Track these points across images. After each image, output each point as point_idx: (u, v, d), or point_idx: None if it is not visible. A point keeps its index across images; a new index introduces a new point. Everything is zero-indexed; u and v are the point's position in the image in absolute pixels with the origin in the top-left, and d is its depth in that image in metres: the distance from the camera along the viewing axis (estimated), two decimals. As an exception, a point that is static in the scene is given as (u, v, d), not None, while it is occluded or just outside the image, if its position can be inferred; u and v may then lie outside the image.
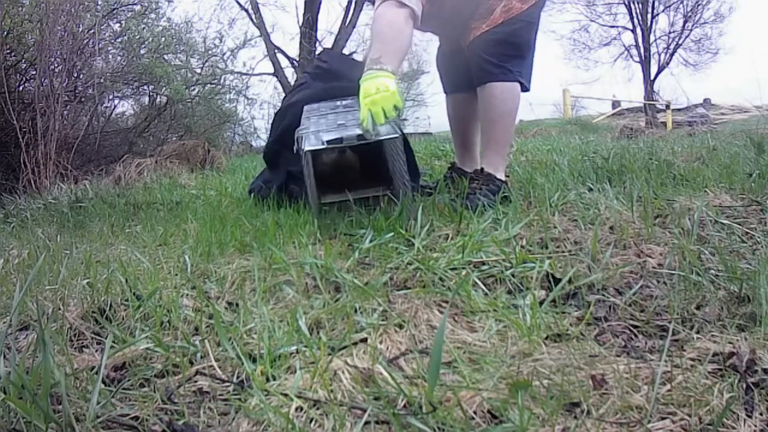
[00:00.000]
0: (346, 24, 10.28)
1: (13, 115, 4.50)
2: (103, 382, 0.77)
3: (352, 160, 1.77)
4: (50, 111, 4.55)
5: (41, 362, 0.68)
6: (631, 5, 16.31)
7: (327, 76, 2.09)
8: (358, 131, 1.49)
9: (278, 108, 2.20)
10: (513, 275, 1.08)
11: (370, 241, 1.31)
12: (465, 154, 2.11)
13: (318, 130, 1.57)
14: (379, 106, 1.48)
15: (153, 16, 6.56)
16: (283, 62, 10.50)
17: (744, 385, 0.69)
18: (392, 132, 1.48)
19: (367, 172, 1.79)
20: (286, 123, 1.93)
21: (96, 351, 0.92)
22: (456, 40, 1.95)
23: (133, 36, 6.05)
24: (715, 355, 0.76)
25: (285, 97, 2.43)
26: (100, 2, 5.91)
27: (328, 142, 1.49)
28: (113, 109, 7.00)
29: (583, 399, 0.67)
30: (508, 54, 1.78)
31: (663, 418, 0.64)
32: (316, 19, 10.25)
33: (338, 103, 1.79)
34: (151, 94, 6.96)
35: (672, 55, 16.72)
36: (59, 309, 1.03)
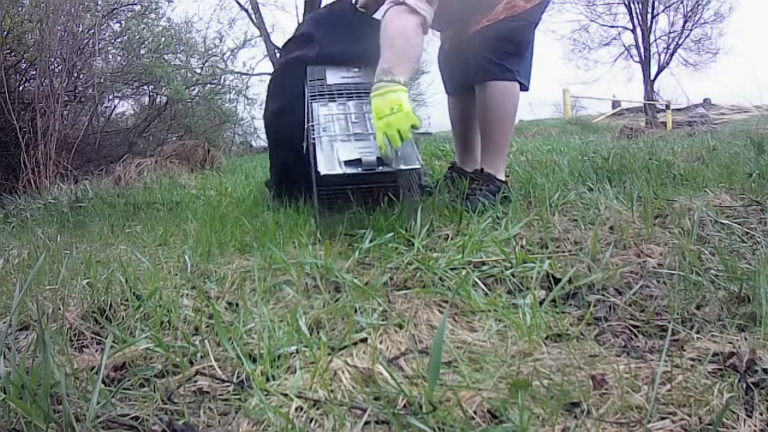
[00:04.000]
0: (346, 24, 10.26)
1: (13, 115, 4.50)
2: (103, 382, 0.77)
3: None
4: (50, 111, 4.55)
5: (41, 362, 0.68)
6: (631, 5, 16.31)
7: (335, 31, 1.91)
8: (378, 154, 1.44)
9: (279, 63, 1.99)
10: (513, 275, 1.08)
11: (370, 241, 1.31)
12: (465, 154, 2.11)
13: (332, 138, 1.52)
14: (395, 128, 1.42)
15: (153, 16, 6.57)
16: (283, 62, 10.50)
17: (744, 385, 0.69)
18: (413, 158, 1.45)
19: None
20: (287, 100, 1.84)
21: (96, 351, 0.92)
22: (457, 37, 1.94)
23: (133, 36, 6.06)
24: (715, 355, 0.76)
25: (286, 44, 2.10)
26: (100, 2, 5.92)
27: (346, 163, 1.44)
28: (113, 109, 7.03)
29: (583, 399, 0.67)
30: (507, 52, 1.77)
31: (663, 418, 0.64)
32: (316, 19, 10.24)
33: (349, 80, 1.72)
34: (151, 94, 6.98)
35: (672, 55, 16.74)
36: (59, 309, 1.03)
